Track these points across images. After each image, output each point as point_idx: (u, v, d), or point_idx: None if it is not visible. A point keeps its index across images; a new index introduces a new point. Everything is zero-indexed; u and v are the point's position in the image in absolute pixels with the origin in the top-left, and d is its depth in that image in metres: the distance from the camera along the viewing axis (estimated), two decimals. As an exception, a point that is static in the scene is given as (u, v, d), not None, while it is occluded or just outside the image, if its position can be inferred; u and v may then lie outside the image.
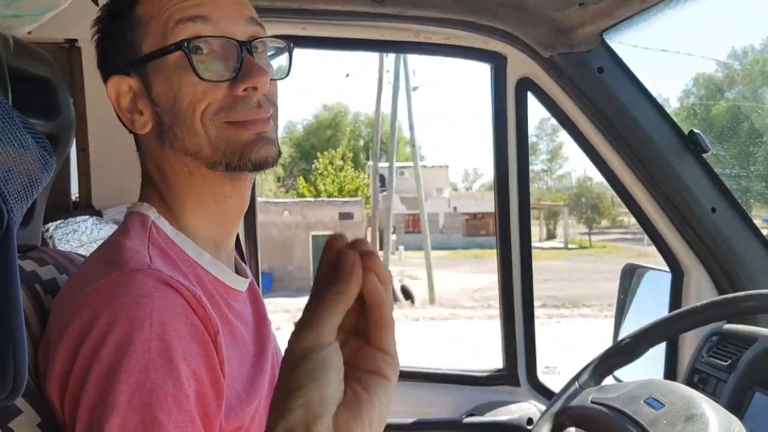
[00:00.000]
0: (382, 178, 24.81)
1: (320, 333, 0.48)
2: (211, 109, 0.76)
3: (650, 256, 1.63)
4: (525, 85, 1.59)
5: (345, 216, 23.31)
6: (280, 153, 0.81)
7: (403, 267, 26.23)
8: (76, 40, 1.53)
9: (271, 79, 0.80)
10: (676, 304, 1.57)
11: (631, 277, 1.74)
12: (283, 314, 14.16)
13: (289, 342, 0.49)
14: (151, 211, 0.81)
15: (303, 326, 0.49)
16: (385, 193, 22.79)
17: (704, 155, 1.50)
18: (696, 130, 1.48)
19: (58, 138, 0.99)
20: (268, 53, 0.87)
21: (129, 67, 0.80)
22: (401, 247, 31.30)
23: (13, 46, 0.81)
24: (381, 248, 21.35)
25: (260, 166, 0.78)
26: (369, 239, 21.02)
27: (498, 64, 1.59)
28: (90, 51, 0.87)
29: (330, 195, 31.44)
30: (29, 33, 1.02)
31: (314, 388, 0.46)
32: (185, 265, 0.77)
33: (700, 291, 1.54)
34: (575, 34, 1.47)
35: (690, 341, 1.49)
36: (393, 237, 26.90)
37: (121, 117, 0.83)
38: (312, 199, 26.12)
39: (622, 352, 1.21)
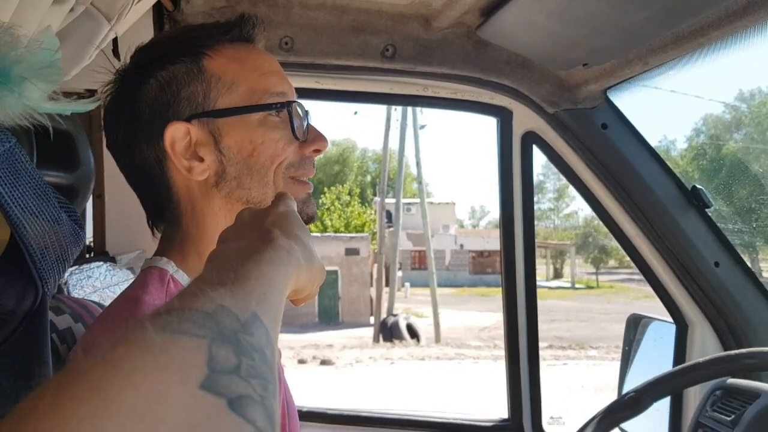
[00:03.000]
0: (388, 214, 24.84)
1: None
2: (286, 162, 0.86)
3: (657, 299, 1.65)
4: (530, 138, 1.63)
5: (351, 251, 23.28)
6: None
7: (408, 304, 26.08)
8: (95, 91, 1.57)
9: None
10: (680, 357, 1.58)
11: (636, 327, 1.74)
12: (288, 351, 14.00)
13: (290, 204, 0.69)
14: (170, 266, 0.84)
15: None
16: (391, 229, 22.79)
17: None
18: (698, 186, 1.51)
19: (77, 190, 1.02)
20: None
21: (193, 115, 0.83)
22: (407, 284, 31.17)
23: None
24: (387, 284, 21.26)
25: (311, 219, 0.90)
26: (375, 275, 20.96)
27: (504, 118, 1.63)
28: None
29: (336, 230, 31.43)
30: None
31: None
32: None
33: (704, 344, 1.54)
34: (579, 91, 1.51)
35: (694, 395, 1.50)
36: (399, 273, 26.82)
37: (171, 161, 0.84)
38: (318, 234, 26.05)
39: (626, 407, 1.21)
